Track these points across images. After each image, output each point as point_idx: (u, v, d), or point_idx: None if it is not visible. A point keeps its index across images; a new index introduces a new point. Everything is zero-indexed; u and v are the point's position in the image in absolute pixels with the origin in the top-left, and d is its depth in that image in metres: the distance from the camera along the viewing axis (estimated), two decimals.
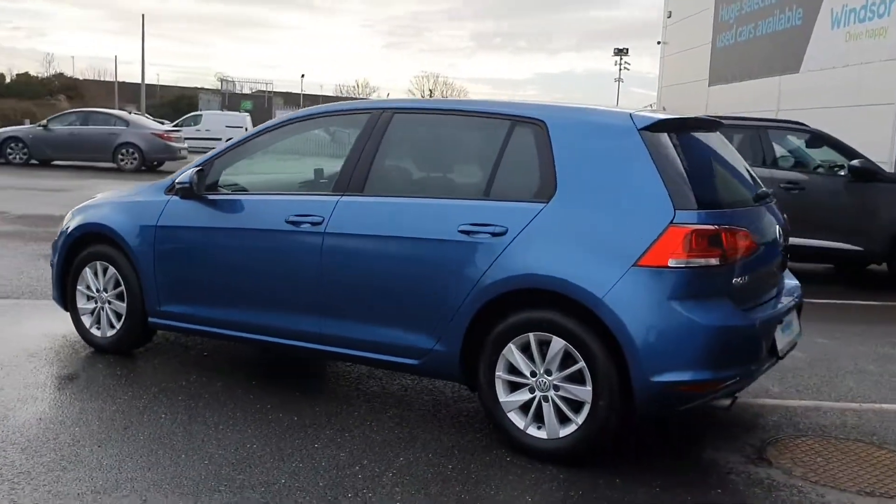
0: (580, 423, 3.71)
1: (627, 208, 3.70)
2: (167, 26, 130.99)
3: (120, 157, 21.80)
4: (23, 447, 3.69)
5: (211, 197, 4.75)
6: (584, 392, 3.69)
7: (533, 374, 3.81)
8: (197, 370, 4.98)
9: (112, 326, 5.17)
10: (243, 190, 4.85)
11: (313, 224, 4.33)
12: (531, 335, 3.79)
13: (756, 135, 8.91)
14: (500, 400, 3.89)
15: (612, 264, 3.62)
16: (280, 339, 4.53)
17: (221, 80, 48.13)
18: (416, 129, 4.43)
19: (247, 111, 45.34)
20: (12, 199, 13.79)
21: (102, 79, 67.89)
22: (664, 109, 32.85)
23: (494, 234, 3.86)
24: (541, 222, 3.81)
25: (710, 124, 4.34)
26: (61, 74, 70.86)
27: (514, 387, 3.87)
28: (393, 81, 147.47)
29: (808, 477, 3.78)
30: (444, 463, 3.75)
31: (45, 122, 22.34)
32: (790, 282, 4.63)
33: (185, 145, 23.67)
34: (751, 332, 3.71)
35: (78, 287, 5.28)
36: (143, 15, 71.16)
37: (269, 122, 4.91)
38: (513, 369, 3.86)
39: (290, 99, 65.63)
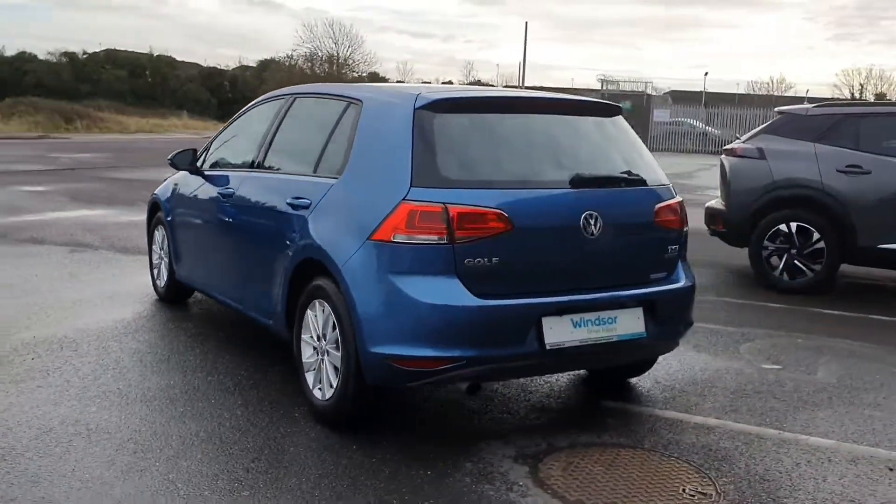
0: (335, 387, 3.91)
1: (380, 184, 3.79)
2: (601, 32, 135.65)
3: None
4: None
5: (207, 173, 5.66)
6: (338, 358, 3.88)
7: (319, 338, 4.07)
8: (208, 319, 5.94)
9: (164, 279, 6.35)
10: (227, 166, 5.66)
11: (228, 196, 5.02)
12: (317, 302, 4.06)
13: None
14: (303, 360, 4.21)
15: (354, 238, 3.77)
16: (216, 294, 5.31)
17: (602, 81, 49.03)
18: (303, 111, 4.84)
19: (627, 110, 45.72)
20: None
21: (509, 83, 73.20)
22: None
23: (304, 208, 4.19)
24: (328, 197, 4.05)
25: (536, 103, 4.26)
26: (479, 81, 78.13)
27: (313, 350, 4.17)
28: (820, 76, 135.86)
29: (547, 481, 3.51)
30: (233, 409, 4.21)
31: None
32: (678, 277, 4.18)
33: None
34: (478, 315, 3.55)
35: (153, 246, 6.57)
36: (525, 22, 75.07)
37: (241, 111, 5.69)
38: (312, 333, 4.15)
39: (686, 97, 64.38)
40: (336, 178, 4.07)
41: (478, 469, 3.62)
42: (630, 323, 3.92)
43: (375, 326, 3.64)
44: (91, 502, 3.18)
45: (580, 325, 3.78)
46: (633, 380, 4.92)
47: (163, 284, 6.36)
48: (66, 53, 61.32)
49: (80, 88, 56.07)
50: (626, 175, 4.11)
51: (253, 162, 4.98)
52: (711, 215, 8.41)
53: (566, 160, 4.02)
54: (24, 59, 59.53)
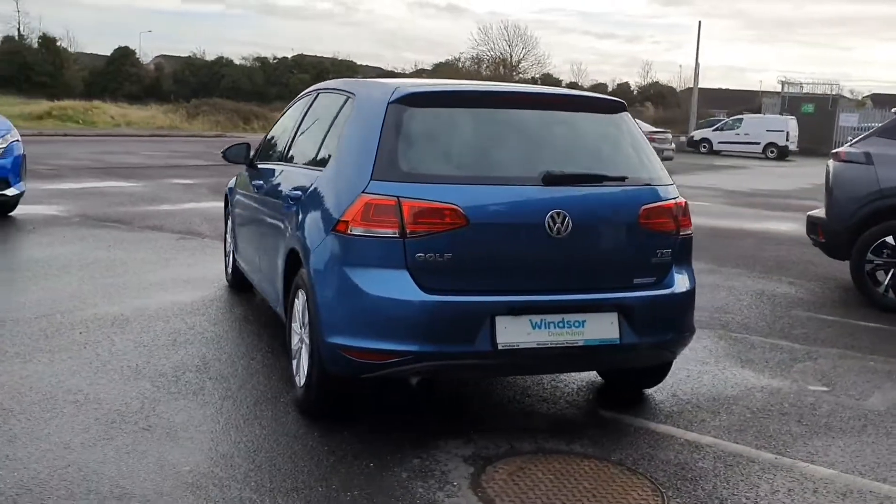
0: (305, 375, 3.99)
1: (349, 177, 3.81)
2: (801, 31, 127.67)
3: None
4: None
5: (259, 166, 5.90)
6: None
7: (302, 326, 4.17)
8: (260, 305, 6.22)
9: (230, 266, 6.70)
10: (267, 160, 5.84)
11: (258, 188, 5.24)
12: (300, 291, 4.15)
13: None
14: (291, 347, 4.32)
15: (321, 229, 3.83)
16: (252, 281, 5.56)
17: (783, 83, 46.29)
18: (320, 106, 4.92)
19: (808, 114, 43.13)
20: None
21: (688, 86, 70.58)
22: None
23: (296, 200, 4.31)
24: (312, 189, 4.14)
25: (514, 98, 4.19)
26: (656, 83, 76.08)
27: (298, 338, 4.26)
28: None
29: (485, 484, 3.42)
30: (227, 391, 4.38)
31: None
32: (669, 283, 3.93)
33: (672, 146, 24.24)
34: (423, 310, 3.50)
35: (226, 235, 6.93)
36: (699, 21, 70.71)
37: (287, 106, 5.87)
38: (297, 322, 4.26)
39: (891, 101, 59.46)
40: (321, 171, 4.16)
41: (423, 466, 3.58)
42: (601, 328, 3.74)
43: (331, 316, 3.69)
44: (45, 463, 3.42)
45: (540, 327, 3.64)
46: (649, 391, 4.68)
47: (229, 271, 6.71)
48: (258, 58, 65.64)
49: (269, 91, 59.88)
50: (606, 173, 3.91)
51: (281, 155, 5.17)
52: (812, 224, 7.79)
53: (541, 156, 3.88)
54: (221, 63, 64.31)
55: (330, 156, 4.16)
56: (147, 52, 70.72)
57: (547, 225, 3.65)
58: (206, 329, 5.52)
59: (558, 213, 3.66)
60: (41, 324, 5.42)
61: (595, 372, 4.81)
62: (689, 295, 4.04)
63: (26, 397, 4.14)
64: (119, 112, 34.54)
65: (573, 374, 4.89)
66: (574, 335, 3.69)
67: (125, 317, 5.69)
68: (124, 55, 63.03)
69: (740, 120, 36.89)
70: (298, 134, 5.04)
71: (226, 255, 6.94)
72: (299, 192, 4.28)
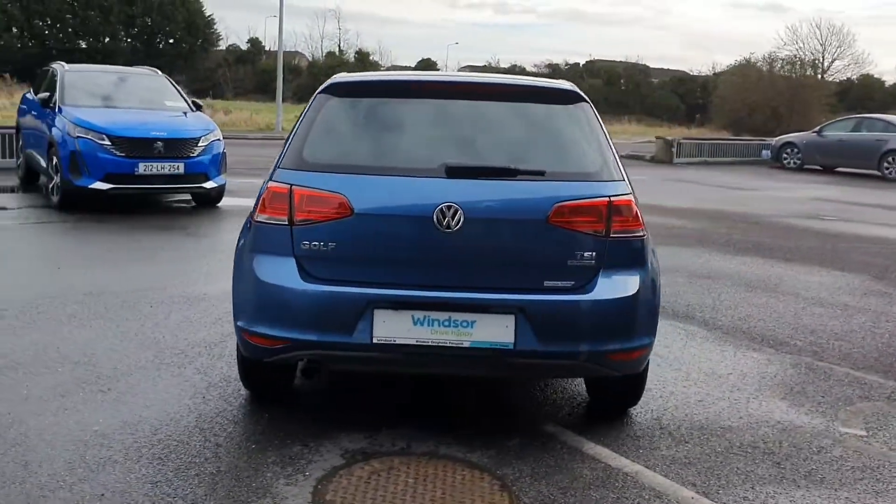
0: None
1: (274, 165, 3.90)
2: None
3: (885, 165, 20.85)
4: None
5: None
6: None
7: None
8: None
9: None
10: None
11: None
12: None
13: None
14: None
15: (248, 217, 3.96)
16: None
17: None
18: None
19: None
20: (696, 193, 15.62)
21: None
22: None
23: None
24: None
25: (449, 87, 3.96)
26: None
27: None
28: None
29: (336, 479, 3.36)
30: (211, 368, 4.66)
31: (818, 128, 22.91)
32: (590, 288, 3.53)
33: None
34: (301, 298, 3.48)
35: None
36: None
37: None
38: None
39: None
40: None
41: (298, 454, 3.58)
42: (492, 330, 3.46)
43: (237, 300, 3.81)
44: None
45: (422, 324, 3.47)
46: (633, 411, 4.22)
47: None
48: (549, 65, 66.77)
49: None
50: (521, 167, 3.59)
51: None
52: None
53: (452, 148, 3.68)
54: (514, 71, 66.28)
55: None
56: (450, 65, 74.90)
57: (436, 219, 3.47)
58: None
59: (449, 207, 3.46)
60: (126, 296, 6.08)
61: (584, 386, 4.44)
62: (624, 303, 3.58)
63: (45, 356, 4.71)
64: None
65: (563, 383, 4.55)
66: (460, 335, 3.47)
67: (204, 296, 6.19)
68: (427, 66, 67.45)
69: None
70: None
71: None
72: None
